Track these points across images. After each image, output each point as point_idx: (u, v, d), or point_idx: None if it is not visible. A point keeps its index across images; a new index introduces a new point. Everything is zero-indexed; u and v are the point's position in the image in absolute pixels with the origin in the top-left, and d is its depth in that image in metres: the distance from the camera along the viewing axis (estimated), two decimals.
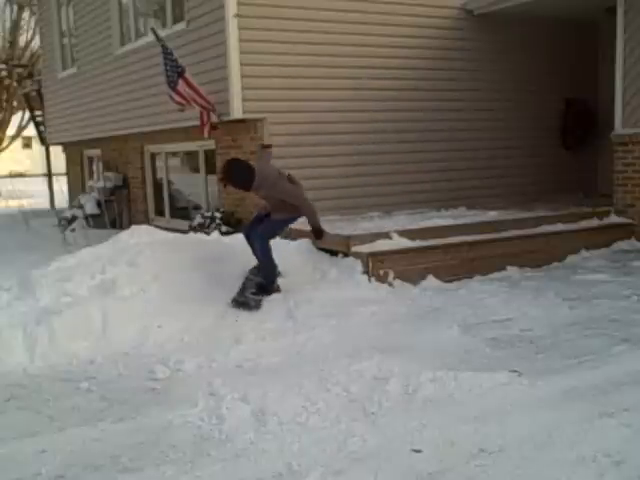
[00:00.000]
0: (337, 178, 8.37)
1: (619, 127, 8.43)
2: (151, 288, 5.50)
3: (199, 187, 9.66)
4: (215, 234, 7.04)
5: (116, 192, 11.47)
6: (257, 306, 5.61)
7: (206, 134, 8.16)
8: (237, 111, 7.83)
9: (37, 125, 17.74)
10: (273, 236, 5.92)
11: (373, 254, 6.45)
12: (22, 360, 4.70)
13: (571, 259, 7.57)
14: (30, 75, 19.97)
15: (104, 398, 4.08)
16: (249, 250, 5.97)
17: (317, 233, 5.87)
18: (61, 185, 15.49)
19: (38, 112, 17.12)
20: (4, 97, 24.92)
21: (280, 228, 5.98)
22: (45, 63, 14.88)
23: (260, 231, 5.83)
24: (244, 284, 5.73)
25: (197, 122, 8.14)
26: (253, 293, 5.67)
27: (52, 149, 16.97)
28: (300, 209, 5.74)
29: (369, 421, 3.56)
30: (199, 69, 8.19)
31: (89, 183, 12.79)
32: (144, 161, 11.02)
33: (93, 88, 11.85)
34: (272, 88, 7.96)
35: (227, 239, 6.81)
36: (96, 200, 11.49)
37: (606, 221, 8.30)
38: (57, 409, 3.94)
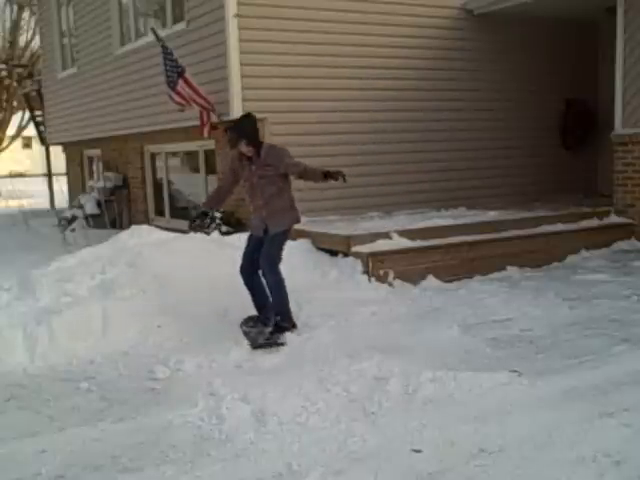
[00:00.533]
0: None
1: (619, 127, 8.44)
2: (151, 288, 5.50)
3: (199, 187, 9.65)
4: (215, 234, 7.04)
5: (116, 192, 11.46)
6: (283, 342, 4.93)
7: (206, 134, 8.16)
8: (237, 111, 7.82)
9: (37, 125, 17.74)
10: (281, 252, 5.10)
11: (373, 254, 6.45)
12: (22, 360, 4.70)
13: (571, 259, 7.58)
14: (30, 75, 19.96)
15: (104, 398, 4.08)
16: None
17: (327, 174, 4.78)
18: (61, 185, 15.49)
19: (38, 112, 17.11)
20: (4, 97, 24.91)
21: (285, 238, 5.17)
22: (45, 63, 14.88)
23: (266, 259, 4.99)
24: (247, 335, 4.96)
25: (197, 122, 8.14)
26: (268, 339, 4.92)
27: (52, 149, 16.96)
28: (304, 173, 4.93)
29: (369, 421, 3.56)
30: (199, 69, 8.19)
31: (89, 183, 12.79)
32: (144, 161, 11.01)
33: (93, 88, 11.85)
34: (272, 88, 7.96)
35: (227, 239, 6.81)
36: (96, 200, 11.48)
37: (606, 221, 8.30)
38: (57, 409, 3.94)
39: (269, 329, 4.93)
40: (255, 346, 4.86)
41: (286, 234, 5.17)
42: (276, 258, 5.04)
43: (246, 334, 4.99)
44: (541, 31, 9.79)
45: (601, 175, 10.20)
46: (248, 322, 5.11)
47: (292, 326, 5.10)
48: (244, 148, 5.01)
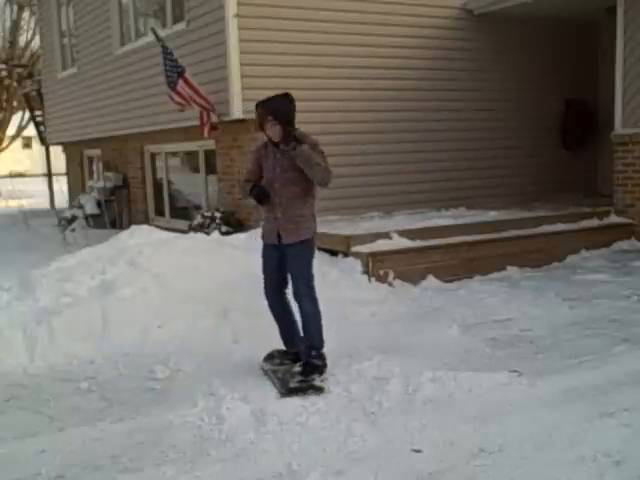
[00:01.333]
0: (337, 178, 8.22)
1: (619, 127, 8.43)
2: (151, 288, 5.50)
3: (199, 187, 9.66)
4: (215, 234, 7.03)
5: (116, 192, 11.46)
6: (321, 387, 4.01)
7: (206, 134, 8.16)
8: (237, 111, 7.84)
9: (37, 125, 17.74)
10: (312, 266, 4.29)
11: (373, 254, 6.45)
12: (22, 360, 4.69)
13: (571, 259, 7.58)
14: (30, 75, 19.98)
15: (104, 398, 4.08)
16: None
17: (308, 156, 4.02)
18: (61, 185, 15.50)
19: (38, 112, 17.12)
20: (4, 97, 24.90)
21: (310, 250, 4.31)
22: (45, 63, 14.89)
23: (302, 285, 4.16)
24: (275, 375, 4.21)
25: (197, 122, 8.14)
26: (301, 381, 4.03)
27: (52, 149, 16.97)
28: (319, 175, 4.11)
29: (369, 421, 3.56)
30: (199, 69, 8.19)
31: (89, 183, 12.79)
32: (144, 161, 11.01)
33: (93, 88, 11.85)
34: (272, 88, 7.86)
35: (227, 239, 6.81)
36: (96, 200, 11.49)
37: (606, 221, 8.30)
38: (57, 409, 3.94)
39: (300, 368, 4.15)
40: (286, 391, 3.96)
41: (309, 244, 4.25)
42: (310, 279, 4.22)
43: (273, 374, 4.24)
44: (541, 31, 9.79)
45: (601, 175, 10.20)
46: (273, 359, 4.40)
47: (324, 365, 4.18)
48: (270, 130, 4.12)
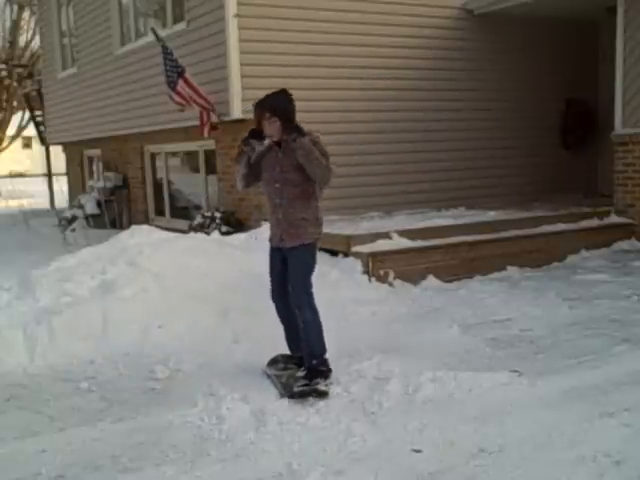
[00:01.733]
0: (337, 178, 8.23)
1: (619, 127, 8.43)
2: (151, 288, 5.50)
3: (199, 187, 9.66)
4: (215, 234, 7.03)
5: (116, 192, 11.47)
6: (325, 391, 3.95)
7: (206, 134, 8.16)
8: (237, 111, 7.84)
9: (37, 125, 17.74)
10: (311, 275, 4.17)
11: (373, 254, 6.45)
12: (22, 360, 4.69)
13: (571, 259, 7.58)
14: (30, 75, 19.98)
15: (104, 398, 4.08)
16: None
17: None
18: (61, 185, 15.50)
19: (38, 112, 17.12)
20: (4, 97, 24.88)
21: (310, 256, 4.17)
22: (45, 63, 14.89)
23: (298, 290, 4.07)
24: (279, 379, 4.16)
25: (197, 122, 8.14)
26: (306, 384, 3.96)
27: (52, 149, 16.97)
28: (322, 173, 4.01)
29: (369, 421, 3.56)
30: (199, 69, 8.19)
31: (89, 183, 12.80)
32: (144, 161, 11.01)
33: (93, 88, 11.85)
34: (272, 88, 7.88)
35: (227, 239, 6.81)
36: (96, 200, 11.49)
37: (606, 221, 8.30)
38: (57, 409, 3.94)
39: (303, 373, 4.09)
40: (290, 395, 3.90)
41: (310, 249, 4.13)
42: (308, 286, 4.10)
43: (277, 378, 4.19)
44: (541, 31, 9.79)
45: (601, 175, 10.19)
46: (276, 364, 4.34)
47: (328, 370, 4.10)
48: (270, 128, 3.97)
